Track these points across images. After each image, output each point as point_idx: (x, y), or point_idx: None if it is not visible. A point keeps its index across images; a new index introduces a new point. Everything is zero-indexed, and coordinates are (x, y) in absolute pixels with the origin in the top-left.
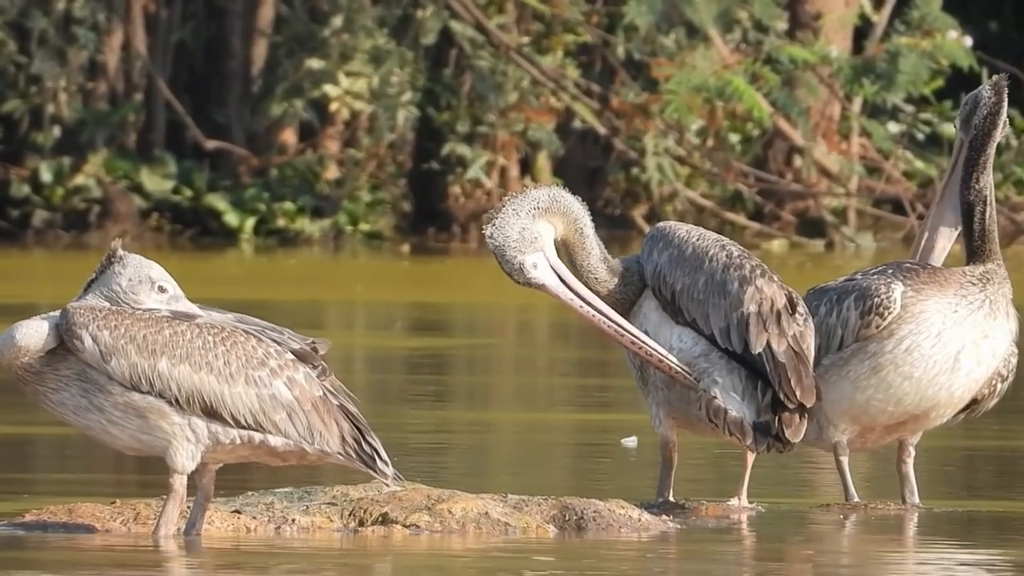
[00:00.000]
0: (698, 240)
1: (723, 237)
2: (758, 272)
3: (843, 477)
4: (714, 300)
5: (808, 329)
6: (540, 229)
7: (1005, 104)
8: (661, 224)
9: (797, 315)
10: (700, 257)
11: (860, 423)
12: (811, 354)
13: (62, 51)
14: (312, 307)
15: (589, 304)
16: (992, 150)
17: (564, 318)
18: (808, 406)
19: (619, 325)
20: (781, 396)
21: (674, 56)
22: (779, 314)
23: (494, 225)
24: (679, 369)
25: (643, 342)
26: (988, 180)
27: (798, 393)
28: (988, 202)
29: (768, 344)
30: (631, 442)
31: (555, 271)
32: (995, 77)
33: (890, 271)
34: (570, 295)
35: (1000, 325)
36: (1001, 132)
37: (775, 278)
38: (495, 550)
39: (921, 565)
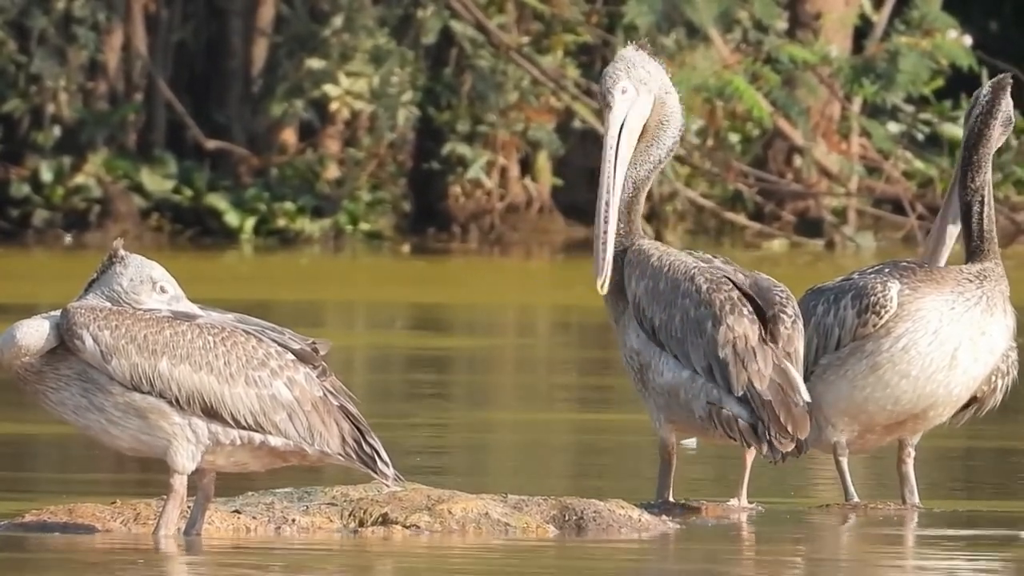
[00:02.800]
0: (669, 271)
1: (694, 262)
2: (727, 308)
3: (842, 477)
4: (692, 339)
5: (797, 332)
6: (648, 98)
7: (1004, 104)
8: (635, 248)
9: (784, 319)
10: (673, 291)
11: (859, 422)
12: (800, 357)
13: (62, 51)
14: (312, 307)
15: (615, 159)
16: (987, 149)
17: (564, 317)
18: (803, 438)
19: (613, 189)
20: (773, 436)
21: (674, 56)
22: (754, 351)
23: (640, 51)
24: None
25: (610, 209)
26: (985, 179)
27: (790, 427)
28: (985, 201)
29: (750, 383)
30: (691, 443)
31: (625, 117)
32: (998, 76)
33: (887, 270)
34: (613, 138)
35: (997, 321)
36: (1003, 133)
37: (745, 309)
38: (495, 550)
39: (921, 566)
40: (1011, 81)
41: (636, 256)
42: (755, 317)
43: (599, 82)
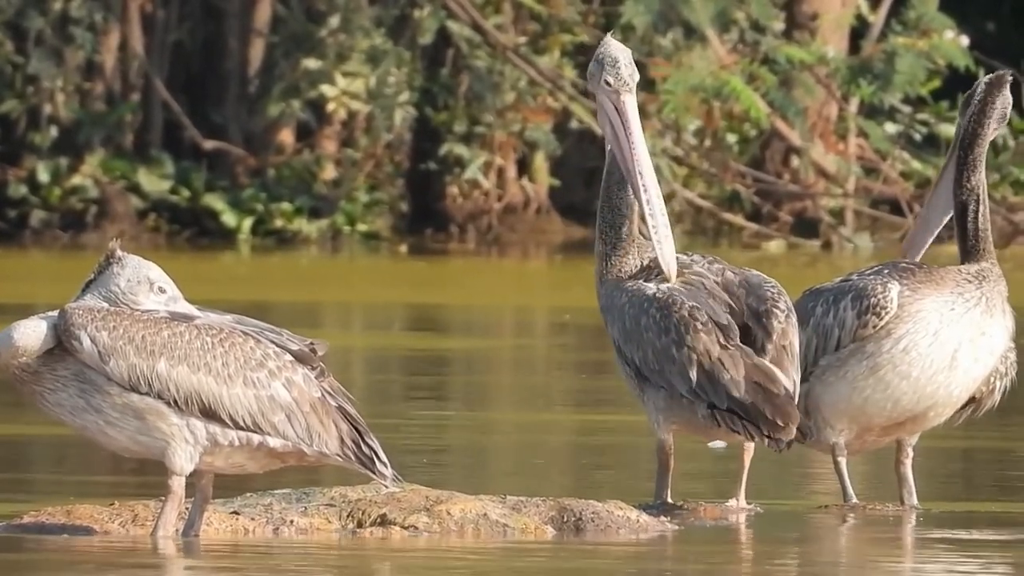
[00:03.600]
0: (631, 308)
1: (643, 288)
2: (682, 329)
3: (841, 478)
4: (668, 368)
5: (791, 326)
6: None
7: (999, 101)
8: (603, 291)
9: (777, 313)
10: (636, 327)
11: (858, 423)
12: (796, 351)
13: (59, 51)
14: (310, 308)
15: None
16: (982, 148)
17: (562, 318)
18: (795, 424)
19: (645, 181)
20: (767, 433)
21: (671, 56)
22: (720, 361)
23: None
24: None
25: (657, 202)
26: (980, 178)
27: (779, 420)
28: (981, 200)
29: (728, 394)
30: (719, 445)
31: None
32: (995, 72)
33: (886, 271)
34: (640, 131)
35: (996, 322)
36: (996, 129)
37: (698, 321)
38: (494, 551)
39: (919, 567)
40: (1010, 78)
41: (607, 303)
42: (711, 326)
43: (606, 63)
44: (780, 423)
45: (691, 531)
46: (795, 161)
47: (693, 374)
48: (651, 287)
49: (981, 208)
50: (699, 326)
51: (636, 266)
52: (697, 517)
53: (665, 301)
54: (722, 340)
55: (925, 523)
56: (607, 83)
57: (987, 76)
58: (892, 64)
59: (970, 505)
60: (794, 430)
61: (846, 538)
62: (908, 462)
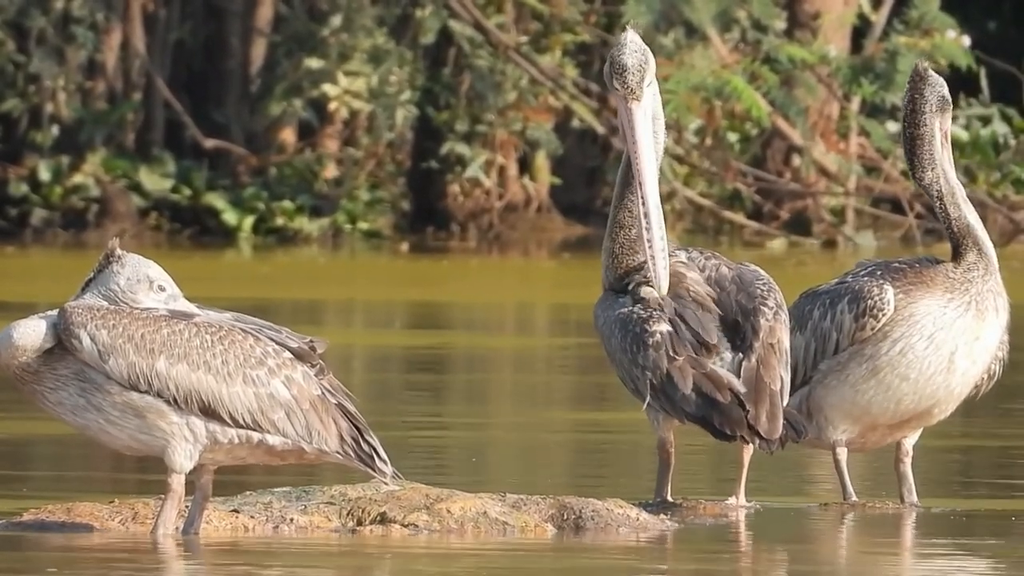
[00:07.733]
0: (605, 328)
1: (616, 307)
2: (635, 346)
3: (841, 476)
4: (638, 385)
5: (779, 323)
6: (653, 90)
7: (927, 93)
8: (596, 307)
9: (765, 311)
10: (611, 349)
11: (862, 424)
12: (785, 348)
13: (61, 50)
14: (311, 306)
15: (645, 157)
16: (926, 146)
17: (562, 316)
18: (743, 429)
19: (649, 187)
20: (730, 432)
21: (673, 55)
22: (669, 376)
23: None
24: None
25: (655, 214)
26: (935, 174)
27: (727, 429)
28: (944, 193)
29: (683, 411)
30: None
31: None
32: (913, 70)
33: (878, 272)
34: (647, 138)
35: (989, 324)
36: (943, 116)
37: (647, 334)
38: (494, 550)
39: (919, 565)
40: (924, 68)
41: (595, 320)
42: (661, 338)
43: (614, 69)
44: (728, 432)
45: (691, 529)
46: (796, 160)
47: (647, 394)
48: (626, 302)
49: (947, 199)
50: (648, 340)
51: (642, 262)
52: (697, 515)
53: (625, 320)
54: (672, 352)
55: (925, 521)
56: (616, 88)
57: (909, 79)
58: (894, 63)
59: (970, 503)
60: (779, 428)
61: (846, 536)
62: (907, 460)
